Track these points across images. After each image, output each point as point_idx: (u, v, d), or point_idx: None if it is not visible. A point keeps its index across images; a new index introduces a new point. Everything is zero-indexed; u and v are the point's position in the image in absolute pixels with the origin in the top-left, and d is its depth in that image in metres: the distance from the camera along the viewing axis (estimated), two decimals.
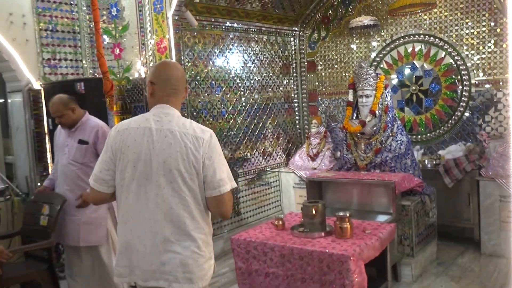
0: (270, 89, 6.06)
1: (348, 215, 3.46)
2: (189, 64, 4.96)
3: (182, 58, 4.85)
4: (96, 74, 5.22)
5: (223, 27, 5.39)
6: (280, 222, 3.79)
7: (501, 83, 5.03)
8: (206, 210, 2.27)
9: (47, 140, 5.20)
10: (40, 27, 5.22)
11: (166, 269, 2.20)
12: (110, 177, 2.28)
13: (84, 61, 5.52)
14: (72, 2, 5.45)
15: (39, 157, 5.22)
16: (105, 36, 5.23)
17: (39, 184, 5.16)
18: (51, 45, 5.30)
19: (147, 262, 2.23)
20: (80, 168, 4.04)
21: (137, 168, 2.22)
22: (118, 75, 5.17)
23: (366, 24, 5.44)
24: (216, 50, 5.29)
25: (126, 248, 2.28)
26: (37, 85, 5.17)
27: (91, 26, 5.14)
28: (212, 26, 5.25)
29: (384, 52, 5.78)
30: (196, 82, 5.04)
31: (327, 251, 3.20)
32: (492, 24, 5.03)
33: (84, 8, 5.40)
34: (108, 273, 3.85)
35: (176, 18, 4.70)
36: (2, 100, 6.18)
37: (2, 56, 5.00)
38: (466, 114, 5.27)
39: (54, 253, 4.11)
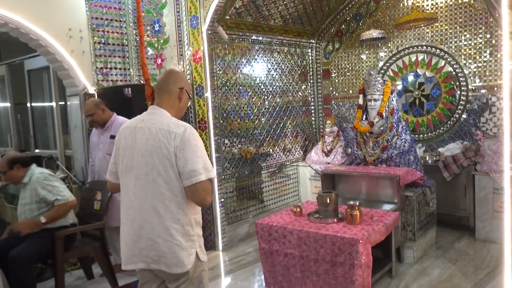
0: (290, 94, 6.05)
1: (357, 204, 3.45)
2: (220, 72, 4.99)
3: (214, 67, 4.87)
4: (141, 81, 5.29)
5: (250, 40, 5.40)
6: (298, 209, 3.79)
7: (495, 89, 4.93)
8: (187, 201, 2.13)
9: None
10: (95, 41, 5.31)
11: (143, 253, 2.13)
12: (116, 170, 2.31)
13: (131, 70, 5.59)
14: (121, 20, 5.53)
15: None
16: (148, 48, 5.30)
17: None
18: (103, 56, 5.38)
19: (128, 247, 2.18)
20: None
21: (124, 162, 2.21)
22: None
23: (375, 36, 5.39)
24: (243, 60, 5.30)
25: (120, 234, 2.27)
26: (91, 90, 5.26)
27: (137, 39, 5.21)
28: (240, 39, 5.26)
29: (390, 61, 5.71)
30: (226, 88, 5.06)
31: (339, 235, 3.19)
32: (488, 36, 4.92)
33: (132, 24, 5.47)
34: None
35: (209, 32, 4.73)
36: (63, 103, 6.32)
37: (63, 65, 5.10)
38: (464, 116, 5.18)
39: (106, 233, 4.18)
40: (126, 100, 4.73)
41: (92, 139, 4.45)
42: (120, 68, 5.54)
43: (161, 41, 5.18)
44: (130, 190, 2.18)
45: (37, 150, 7.18)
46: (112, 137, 4.21)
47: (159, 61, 5.23)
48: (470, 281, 3.68)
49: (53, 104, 6.49)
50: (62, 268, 3.71)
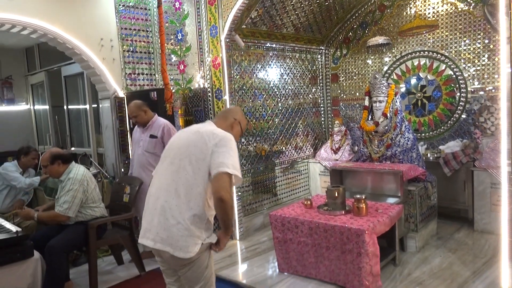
0: (301, 96, 6.03)
1: (363, 197, 3.43)
2: (237, 76, 4.99)
3: (232, 72, 4.88)
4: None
5: (264, 47, 5.39)
6: (309, 202, 3.78)
7: (493, 90, 4.84)
8: (206, 196, 2.14)
9: (128, 136, 5.35)
10: (124, 49, 5.37)
11: (154, 230, 2.14)
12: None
13: (156, 75, 5.64)
14: (148, 30, 5.58)
15: (122, 149, 5.39)
16: (172, 55, 5.34)
17: (122, 170, 5.34)
18: (131, 63, 5.45)
19: (146, 222, 2.22)
20: (151, 156, 4.21)
21: (164, 154, 2.34)
22: (182, 86, 5.26)
23: (380, 43, 5.34)
24: (258, 66, 5.30)
25: (144, 210, 2.31)
26: (121, 93, 5.33)
27: None
28: (256, 46, 5.26)
29: (394, 65, 5.65)
30: (243, 91, 5.07)
31: (346, 226, 3.18)
32: (486, 41, 4.83)
33: (157, 34, 5.51)
34: None
35: (227, 40, 4.74)
36: (95, 105, 6.41)
37: (95, 71, 5.18)
38: (463, 116, 5.09)
39: (134, 223, 4.25)
40: (152, 103, 4.78)
41: (134, 135, 4.52)
42: (146, 74, 5.61)
43: (184, 48, 5.21)
44: (161, 172, 2.27)
45: (72, 148, 7.30)
46: (152, 136, 4.23)
47: (181, 67, 5.26)
48: (468, 269, 3.62)
49: (87, 106, 6.59)
50: (95, 255, 3.76)
